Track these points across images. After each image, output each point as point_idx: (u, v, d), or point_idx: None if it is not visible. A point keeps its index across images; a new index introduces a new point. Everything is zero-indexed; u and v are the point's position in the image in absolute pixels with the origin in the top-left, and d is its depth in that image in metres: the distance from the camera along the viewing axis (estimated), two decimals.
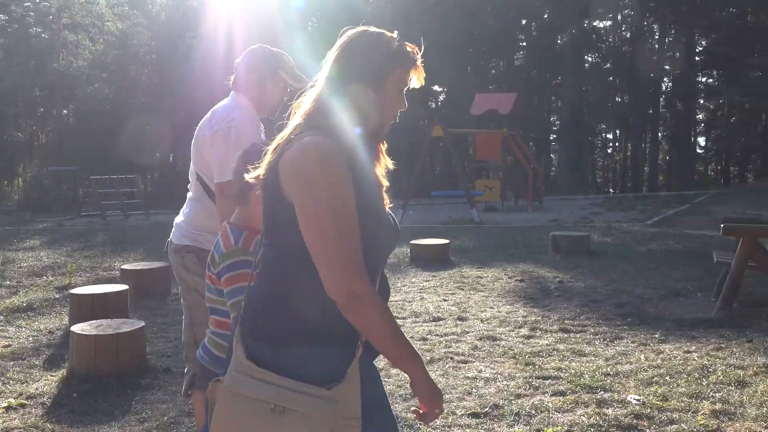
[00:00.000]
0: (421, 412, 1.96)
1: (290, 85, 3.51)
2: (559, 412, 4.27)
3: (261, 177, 1.92)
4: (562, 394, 4.60)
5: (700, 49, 42.53)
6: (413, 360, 1.88)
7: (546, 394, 4.59)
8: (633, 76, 38.19)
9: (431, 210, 21.19)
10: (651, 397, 4.48)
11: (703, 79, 46.11)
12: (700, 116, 48.00)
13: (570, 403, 4.40)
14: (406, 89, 2.01)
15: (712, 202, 20.97)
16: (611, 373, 5.01)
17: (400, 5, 35.12)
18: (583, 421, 4.11)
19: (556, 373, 5.00)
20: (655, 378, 4.87)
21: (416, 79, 2.01)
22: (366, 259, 1.80)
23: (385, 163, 2.03)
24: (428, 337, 6.17)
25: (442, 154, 37.71)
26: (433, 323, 6.71)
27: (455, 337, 6.15)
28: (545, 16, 39.60)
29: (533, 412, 4.29)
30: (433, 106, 43.56)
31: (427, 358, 5.46)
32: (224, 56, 22.54)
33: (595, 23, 36.98)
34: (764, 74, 36.15)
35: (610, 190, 44.86)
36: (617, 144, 49.54)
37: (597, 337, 6.05)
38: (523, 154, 21.64)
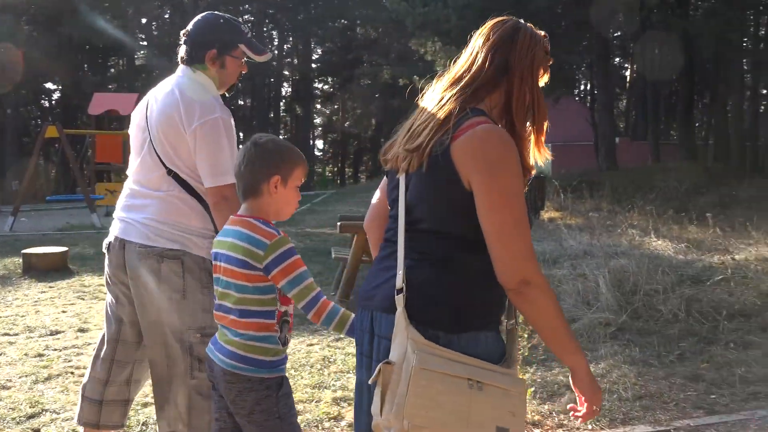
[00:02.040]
0: (579, 408, 1.93)
1: (250, 59, 3.15)
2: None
3: (423, 159, 1.86)
4: None
5: (317, 56, 44.98)
6: (577, 353, 1.89)
7: None
8: (254, 80, 39.22)
9: (47, 216, 19.72)
10: None
11: (320, 85, 48.83)
12: (318, 120, 50.81)
13: None
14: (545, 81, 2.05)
15: (331, 201, 22.34)
16: None
17: None
18: None
19: None
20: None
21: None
22: None
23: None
24: (45, 352, 5.67)
25: (59, 157, 35.35)
26: (51, 337, 6.19)
27: (76, 350, 5.73)
28: (166, 16, 39.04)
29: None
30: (47, 105, 40.68)
31: (45, 375, 5.02)
32: None
33: None
34: (373, 82, 39.25)
35: None
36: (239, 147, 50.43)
37: None
38: None
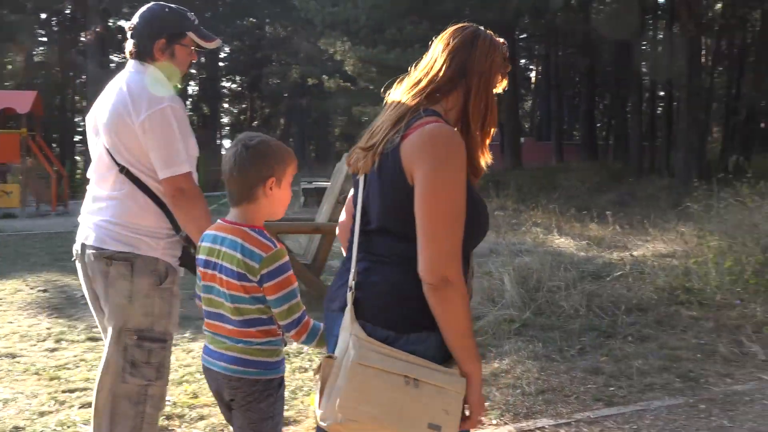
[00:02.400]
0: (467, 415, 1.91)
1: (201, 47, 3.06)
2: (87, 425, 4.03)
3: (375, 159, 1.91)
4: (91, 405, 4.36)
5: (224, 55, 44.34)
6: (477, 362, 1.90)
7: (73, 408, 4.31)
8: None
9: None
10: (182, 396, 4.48)
11: (228, 84, 48.18)
12: (226, 119, 50.13)
13: None
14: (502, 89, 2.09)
15: None
16: None
17: None
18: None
19: (84, 385, 4.72)
20: (186, 377, 4.88)
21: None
22: (466, 244, 1.87)
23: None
24: None
25: None
26: None
27: None
28: (67, 11, 37.81)
29: (59, 428, 4.00)
30: None
31: None
32: None
33: (120, 22, 36.29)
34: (282, 81, 38.98)
35: None
36: None
37: None
38: (46, 157, 20.37)
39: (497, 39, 2.07)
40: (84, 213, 2.99)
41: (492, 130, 2.05)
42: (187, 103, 44.32)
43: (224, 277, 2.32)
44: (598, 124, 38.17)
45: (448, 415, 1.80)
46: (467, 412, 1.92)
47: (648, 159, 26.49)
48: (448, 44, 2.01)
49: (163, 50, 2.96)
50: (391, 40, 21.14)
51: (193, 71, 43.78)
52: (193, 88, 46.09)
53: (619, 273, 7.60)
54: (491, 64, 2.01)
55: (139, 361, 2.80)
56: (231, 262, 2.30)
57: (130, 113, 2.78)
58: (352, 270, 1.92)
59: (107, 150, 2.87)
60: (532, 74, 48.45)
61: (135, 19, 3.00)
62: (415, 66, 2.08)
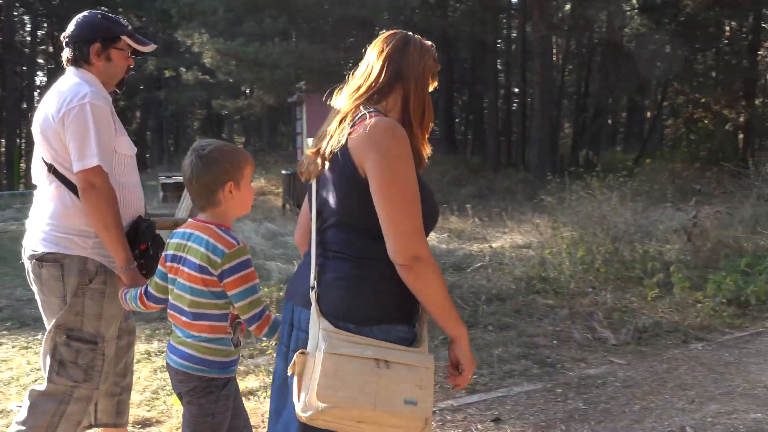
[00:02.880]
0: (456, 375, 2.09)
1: (136, 51, 3.13)
2: None
3: (325, 160, 2.02)
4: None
5: None
6: (460, 324, 2.06)
7: None
8: (4, 68, 36.28)
9: None
10: None
11: None
12: None
13: None
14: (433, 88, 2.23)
15: None
16: None
17: None
18: None
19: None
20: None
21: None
22: (424, 226, 1.96)
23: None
24: None
25: None
26: None
27: None
28: None
29: None
30: None
31: None
32: None
33: None
34: (137, 73, 37.71)
35: None
36: None
37: None
38: None
39: (426, 42, 2.21)
40: (30, 217, 3.03)
41: (431, 125, 2.20)
42: (35, 94, 42.13)
43: (187, 270, 2.44)
44: (457, 120, 39.12)
45: (422, 390, 1.91)
46: (454, 373, 2.11)
47: (505, 154, 27.39)
48: (382, 51, 2.15)
49: (99, 54, 3.02)
50: (250, 33, 20.84)
51: (40, 60, 41.72)
52: (40, 78, 43.84)
53: (479, 264, 7.81)
54: (424, 66, 2.15)
55: (67, 360, 2.83)
56: (195, 255, 2.42)
57: (54, 111, 2.84)
58: (313, 269, 2.02)
59: (40, 151, 2.94)
60: None
61: (70, 27, 3.06)
62: (353, 74, 2.21)
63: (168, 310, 2.55)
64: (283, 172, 15.79)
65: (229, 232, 2.45)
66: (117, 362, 3.15)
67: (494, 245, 9.23)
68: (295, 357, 1.91)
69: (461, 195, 16.63)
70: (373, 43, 2.20)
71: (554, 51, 28.86)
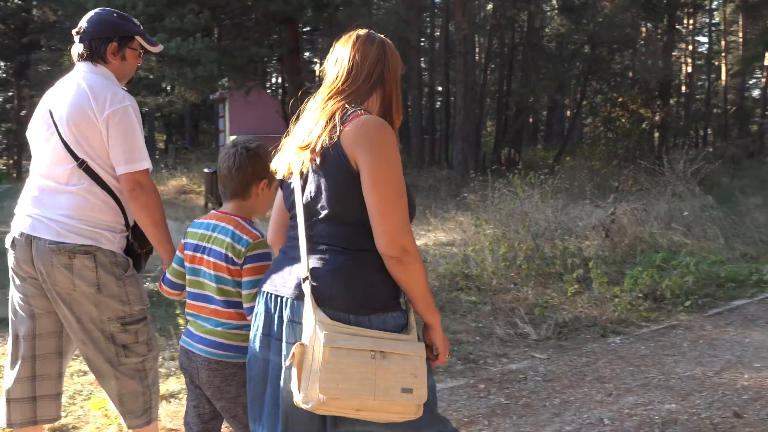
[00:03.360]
0: (433, 358, 2.23)
1: (147, 51, 3.19)
2: None
3: (316, 156, 2.08)
4: None
5: None
6: (436, 312, 2.21)
7: None
8: None
9: None
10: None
11: None
12: None
13: None
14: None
15: (7, 196, 20.47)
16: None
17: None
18: None
19: None
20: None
21: None
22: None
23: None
24: None
25: None
26: None
27: None
28: None
29: None
30: None
31: None
32: None
33: None
34: (52, 68, 36.64)
35: None
36: None
37: None
38: None
39: (390, 42, 2.34)
40: (25, 205, 2.99)
41: (400, 119, 2.32)
42: None
43: (212, 260, 2.55)
44: None
45: (417, 378, 2.00)
46: (436, 353, 2.24)
47: (428, 151, 27.59)
48: (366, 57, 2.23)
49: (115, 52, 3.06)
50: (171, 29, 20.46)
51: None
52: None
53: None
54: (397, 69, 2.29)
55: (129, 343, 2.95)
56: (221, 245, 2.54)
57: (94, 109, 2.86)
58: (305, 262, 2.09)
59: (64, 143, 2.90)
60: (317, 67, 48.92)
61: (83, 23, 3.06)
62: (322, 72, 2.31)
63: (189, 301, 2.64)
64: (205, 170, 15.56)
65: (252, 224, 2.59)
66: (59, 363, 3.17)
67: (418, 243, 9.27)
68: (294, 348, 1.97)
69: None
70: (347, 42, 2.27)
71: (477, 50, 29.20)
